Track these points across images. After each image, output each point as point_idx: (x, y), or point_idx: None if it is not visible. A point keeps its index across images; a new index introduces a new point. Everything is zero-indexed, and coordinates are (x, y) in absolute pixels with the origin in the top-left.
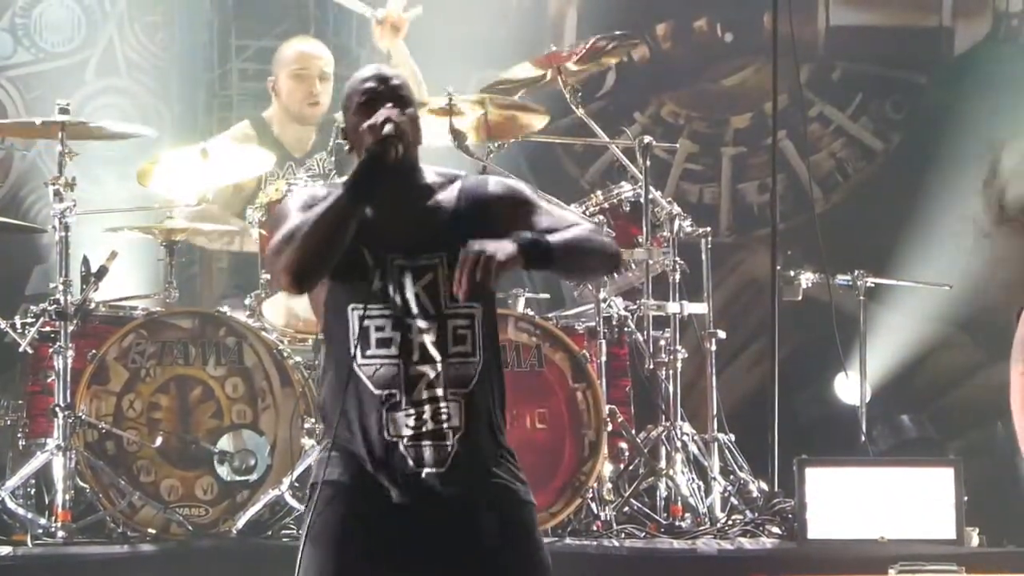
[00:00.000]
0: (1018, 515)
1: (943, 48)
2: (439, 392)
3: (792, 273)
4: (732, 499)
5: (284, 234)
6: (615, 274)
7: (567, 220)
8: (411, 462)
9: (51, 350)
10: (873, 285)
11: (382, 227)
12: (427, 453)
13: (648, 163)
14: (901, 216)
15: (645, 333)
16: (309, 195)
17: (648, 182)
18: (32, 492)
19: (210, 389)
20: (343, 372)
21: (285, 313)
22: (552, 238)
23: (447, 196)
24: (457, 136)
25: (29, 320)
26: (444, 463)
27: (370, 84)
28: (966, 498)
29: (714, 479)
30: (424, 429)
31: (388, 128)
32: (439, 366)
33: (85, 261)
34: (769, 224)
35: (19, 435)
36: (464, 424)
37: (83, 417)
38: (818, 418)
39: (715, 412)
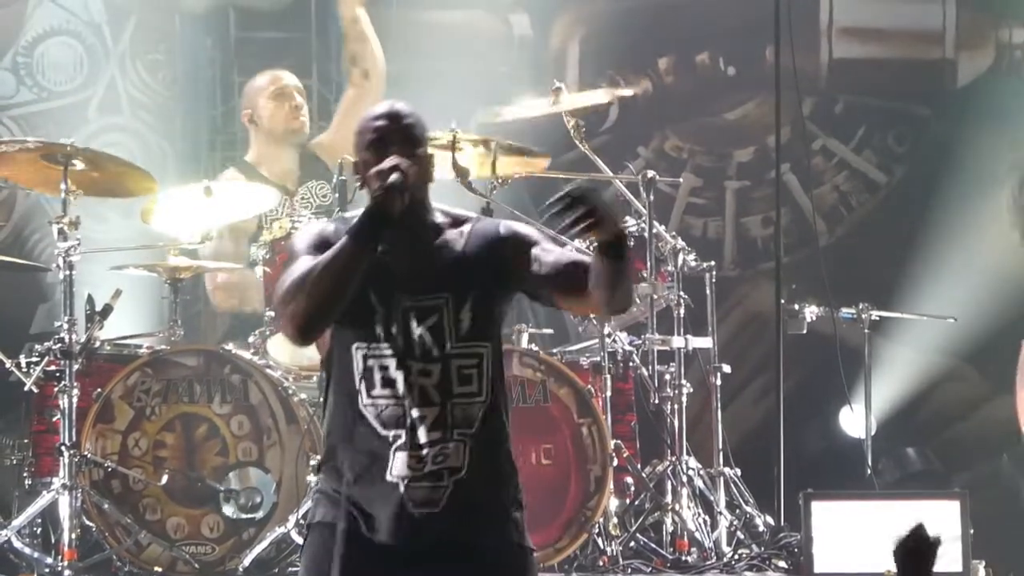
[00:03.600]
0: None
1: (946, 80)
2: (443, 434)
3: (796, 306)
4: (738, 533)
5: (290, 284)
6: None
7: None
8: (410, 504)
9: (56, 389)
10: (877, 318)
11: (388, 266)
12: (423, 494)
13: (652, 197)
14: (905, 249)
15: (650, 368)
16: (316, 234)
17: (652, 216)
18: (38, 531)
19: (215, 427)
20: (348, 411)
21: (290, 350)
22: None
23: (455, 237)
24: (460, 173)
25: (34, 359)
26: (438, 504)
27: (381, 122)
28: (972, 531)
29: (720, 513)
30: (424, 471)
31: (393, 178)
32: (443, 408)
33: (90, 300)
34: (773, 257)
35: (25, 474)
36: (465, 465)
37: (89, 456)
38: (823, 451)
39: (720, 446)
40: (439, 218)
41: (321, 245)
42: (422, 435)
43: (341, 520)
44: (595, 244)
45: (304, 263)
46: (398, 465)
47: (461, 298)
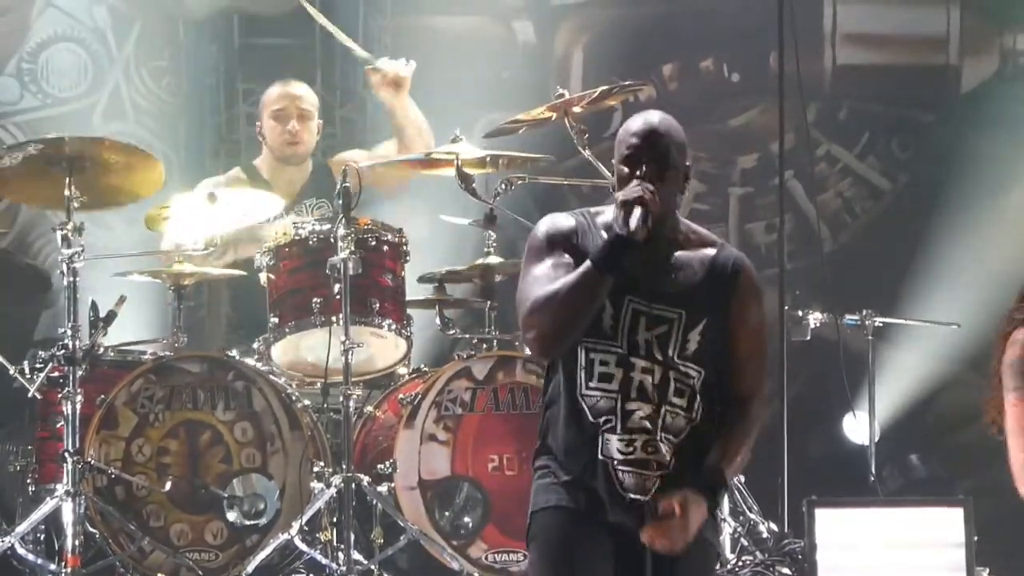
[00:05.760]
0: None
1: (950, 87)
2: (653, 430)
3: (800, 313)
4: (742, 540)
5: (534, 302)
6: None
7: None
8: (619, 486)
9: (60, 395)
10: (881, 324)
11: (626, 271)
12: (633, 480)
13: None
14: (909, 255)
15: None
16: (557, 230)
17: None
18: (42, 538)
19: (219, 433)
20: (566, 402)
21: (293, 357)
22: (727, 471)
23: (697, 259)
24: (464, 179)
25: (38, 365)
26: (647, 493)
27: (634, 140)
28: (976, 538)
29: (724, 520)
30: (634, 456)
31: (637, 214)
32: (657, 408)
33: (94, 306)
34: (777, 264)
35: (28, 481)
36: (672, 463)
37: (92, 462)
38: (827, 458)
39: None
40: (684, 234)
41: (561, 242)
42: (633, 423)
43: (567, 502)
44: None
45: (544, 270)
46: (609, 446)
47: (694, 320)
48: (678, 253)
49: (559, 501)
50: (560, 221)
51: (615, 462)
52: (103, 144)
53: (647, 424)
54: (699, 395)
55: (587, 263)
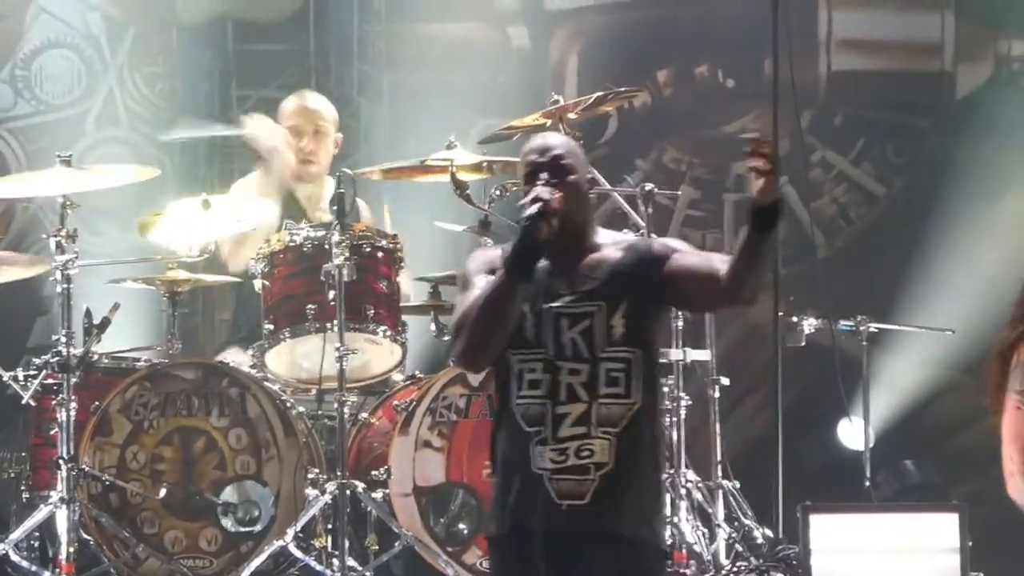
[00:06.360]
0: (1023, 560)
1: (945, 92)
2: (586, 430)
3: (795, 319)
4: (737, 546)
5: (456, 321)
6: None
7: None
8: (555, 495)
9: (54, 402)
10: (876, 330)
11: (541, 279)
12: (568, 487)
13: (650, 210)
14: (904, 261)
15: None
16: (487, 260)
17: (650, 229)
18: (36, 545)
19: (213, 440)
20: (503, 413)
21: (288, 363)
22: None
23: (612, 254)
24: (459, 185)
25: (32, 372)
26: (584, 496)
27: (531, 157)
28: (971, 543)
29: (718, 526)
30: (567, 464)
31: (531, 210)
32: (589, 406)
33: (88, 313)
34: (771, 270)
35: (23, 488)
36: (612, 461)
37: (86, 469)
38: (822, 464)
39: (719, 459)
40: (602, 239)
41: (486, 271)
42: (564, 430)
43: (501, 524)
44: (750, 207)
45: (471, 295)
46: (540, 458)
47: (614, 306)
48: (593, 255)
49: (499, 530)
50: (486, 253)
51: (549, 473)
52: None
53: (579, 429)
54: (637, 378)
55: (498, 272)
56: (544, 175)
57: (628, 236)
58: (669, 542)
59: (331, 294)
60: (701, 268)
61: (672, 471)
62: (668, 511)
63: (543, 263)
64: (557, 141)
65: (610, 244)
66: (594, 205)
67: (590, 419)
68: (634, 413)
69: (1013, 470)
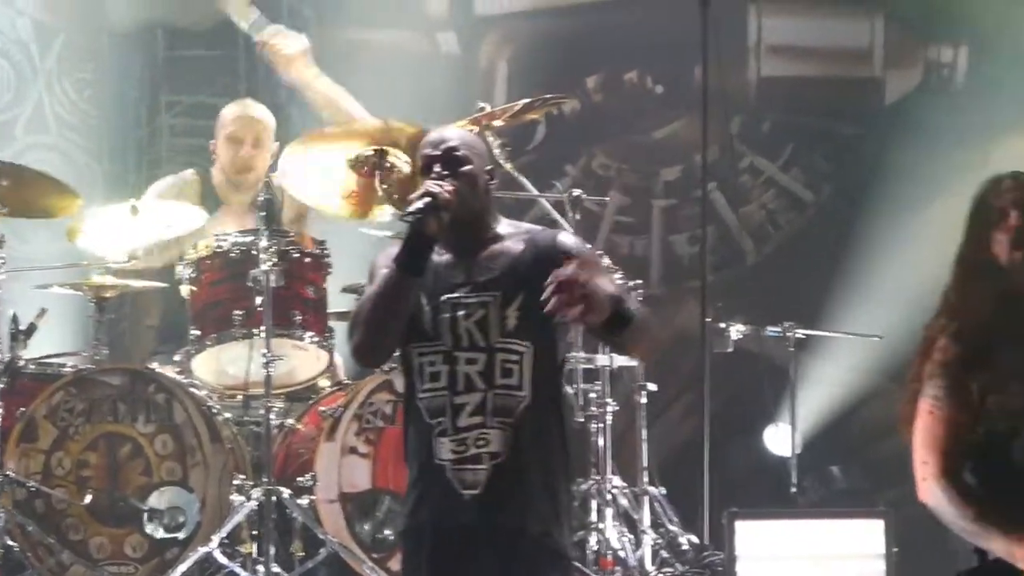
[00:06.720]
0: (948, 567)
1: (874, 99)
2: (483, 420)
3: (723, 325)
4: (662, 552)
5: (352, 318)
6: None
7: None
8: (459, 485)
9: None
10: (804, 336)
11: (439, 271)
12: (468, 476)
13: (578, 216)
14: (831, 267)
15: (575, 386)
16: (381, 262)
17: (579, 235)
18: None
19: (139, 446)
20: (408, 408)
21: (215, 369)
22: (635, 312)
23: (513, 244)
24: (387, 194)
25: None
26: (479, 485)
27: (425, 151)
28: (896, 549)
29: (644, 532)
30: (467, 454)
31: (418, 204)
32: (485, 395)
33: (14, 319)
34: (699, 276)
35: None
36: (505, 452)
37: (12, 475)
38: (749, 470)
39: (645, 465)
40: (502, 229)
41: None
42: (463, 420)
43: (410, 517)
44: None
45: (367, 293)
46: (442, 449)
47: (510, 297)
48: (494, 246)
49: (408, 524)
50: (387, 253)
51: (450, 463)
52: (22, 171)
53: (476, 419)
54: (530, 370)
55: (391, 267)
56: (437, 168)
57: (532, 227)
58: (595, 548)
59: (258, 300)
60: None
61: (598, 477)
62: (594, 517)
63: (443, 256)
64: (452, 134)
65: (512, 235)
66: (518, 204)
67: (486, 408)
68: (525, 406)
69: (926, 474)
